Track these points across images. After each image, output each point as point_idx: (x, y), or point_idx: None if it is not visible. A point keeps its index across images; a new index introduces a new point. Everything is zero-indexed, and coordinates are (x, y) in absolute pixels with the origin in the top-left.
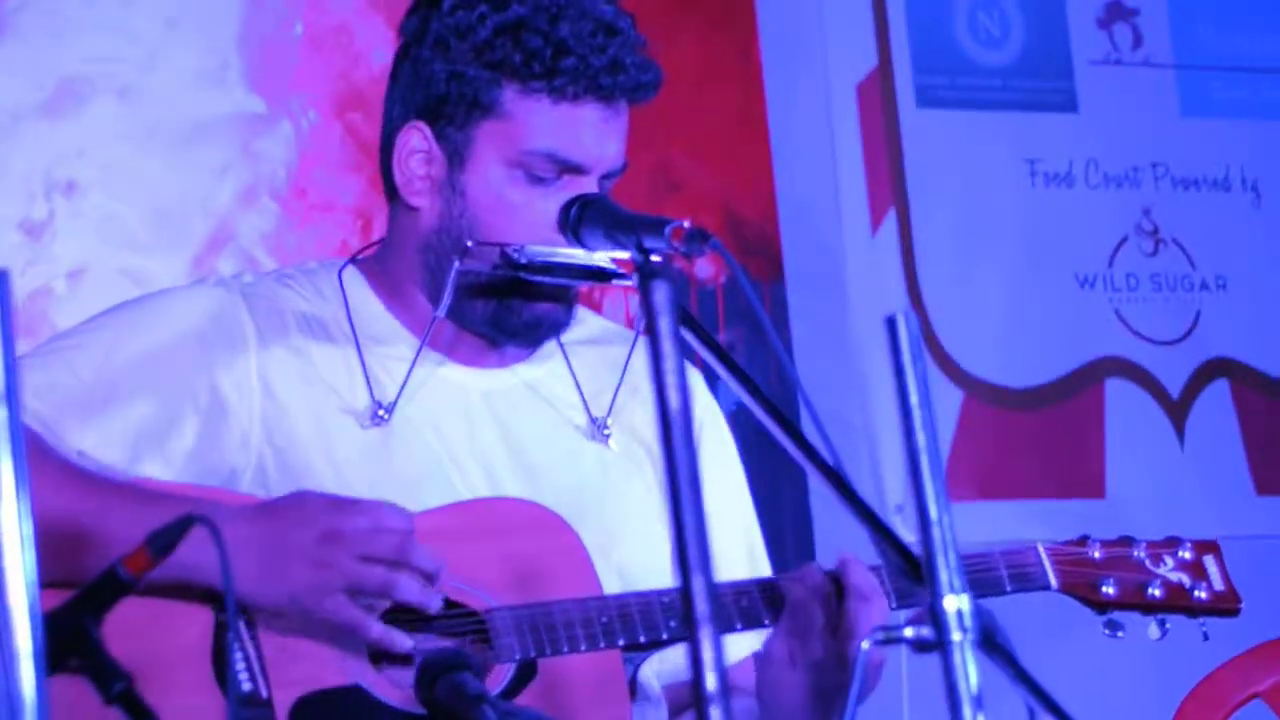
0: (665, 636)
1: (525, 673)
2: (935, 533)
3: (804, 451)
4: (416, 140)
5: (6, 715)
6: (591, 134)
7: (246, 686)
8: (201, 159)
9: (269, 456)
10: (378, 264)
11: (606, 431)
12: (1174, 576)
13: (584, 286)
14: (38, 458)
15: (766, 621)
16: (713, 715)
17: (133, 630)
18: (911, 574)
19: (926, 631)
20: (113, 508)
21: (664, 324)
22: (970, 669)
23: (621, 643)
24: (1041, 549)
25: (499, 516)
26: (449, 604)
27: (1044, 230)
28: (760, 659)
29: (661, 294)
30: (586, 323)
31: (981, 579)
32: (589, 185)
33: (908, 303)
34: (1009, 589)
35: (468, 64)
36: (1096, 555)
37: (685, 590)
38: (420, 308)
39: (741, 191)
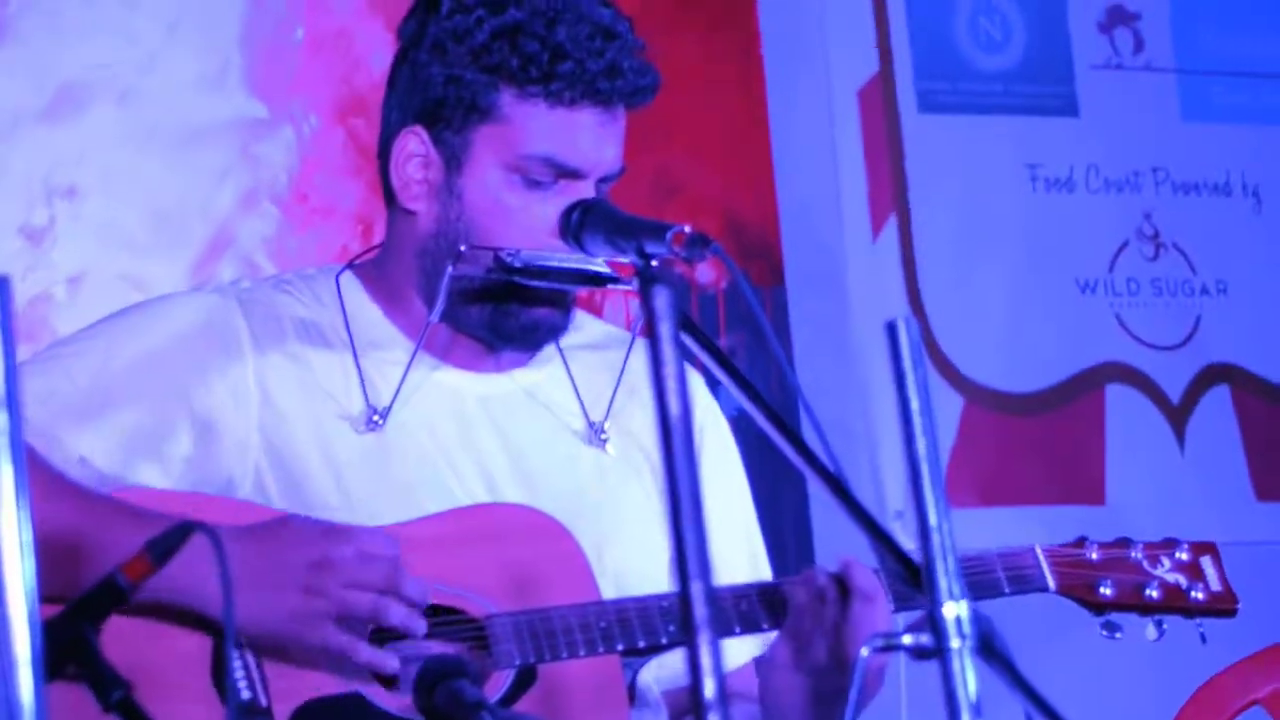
0: (664, 641)
1: (524, 679)
2: (935, 539)
3: (804, 457)
4: (414, 144)
5: None
6: (588, 138)
7: (245, 695)
8: (202, 163)
9: (266, 463)
10: (375, 269)
11: (604, 436)
12: (1171, 577)
13: (580, 291)
14: (33, 471)
15: (765, 625)
16: None
17: (130, 640)
18: (911, 581)
19: (925, 639)
20: (108, 522)
21: (665, 329)
22: (969, 676)
23: (620, 648)
24: (1039, 551)
25: (497, 522)
26: (448, 610)
27: (1045, 235)
28: (763, 663)
29: (662, 299)
30: (586, 328)
31: (979, 581)
32: (586, 189)
33: (908, 308)
34: (1007, 591)
35: (465, 68)
36: (1094, 557)
37: (684, 596)
38: (417, 312)
39: (743, 196)
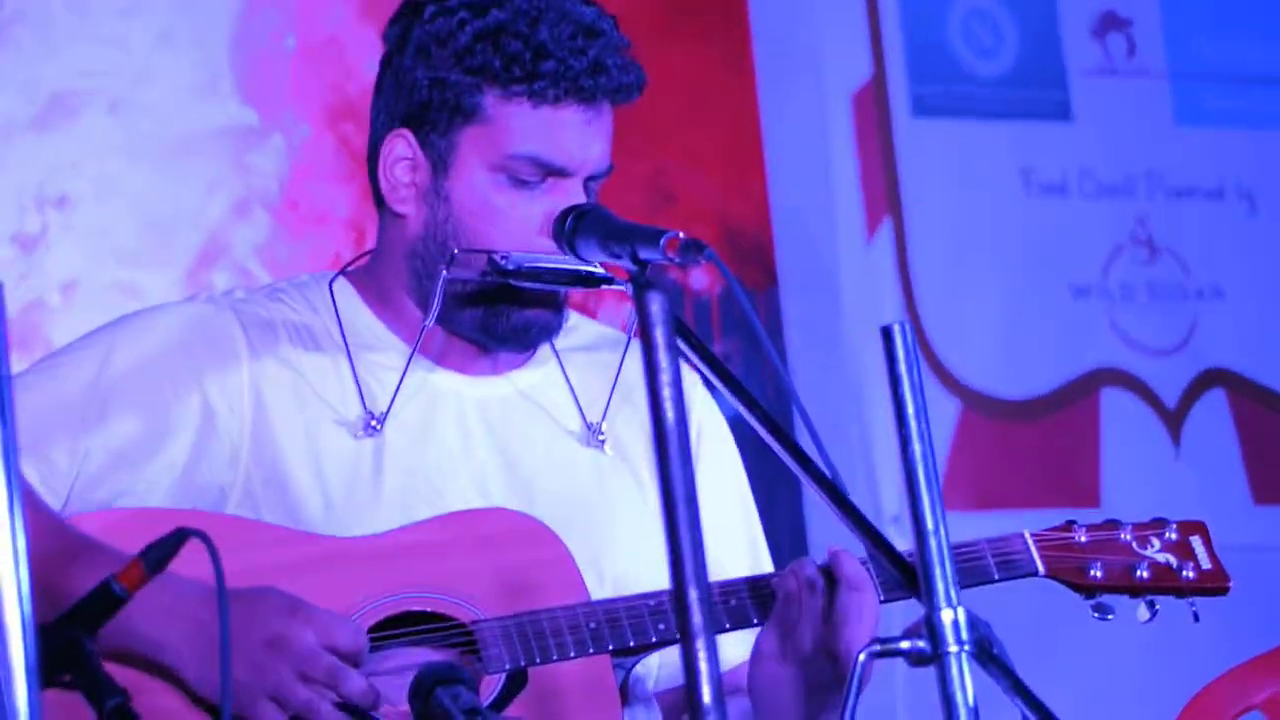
0: (654, 639)
1: (515, 683)
2: (931, 544)
3: (799, 462)
4: (401, 148)
5: None
6: (574, 136)
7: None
8: (194, 172)
9: (256, 472)
10: (367, 274)
11: (601, 437)
12: (1161, 557)
13: (573, 292)
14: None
15: (755, 620)
16: None
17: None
18: (907, 585)
19: (923, 644)
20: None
21: (659, 334)
22: (966, 681)
23: (610, 648)
24: (1027, 535)
25: (485, 527)
26: (437, 617)
27: (1039, 239)
28: (751, 656)
29: (657, 305)
30: (581, 329)
31: (969, 568)
32: (574, 188)
33: (903, 312)
34: (997, 576)
35: (449, 70)
36: (1082, 539)
37: (680, 602)
38: (410, 315)
39: (736, 201)
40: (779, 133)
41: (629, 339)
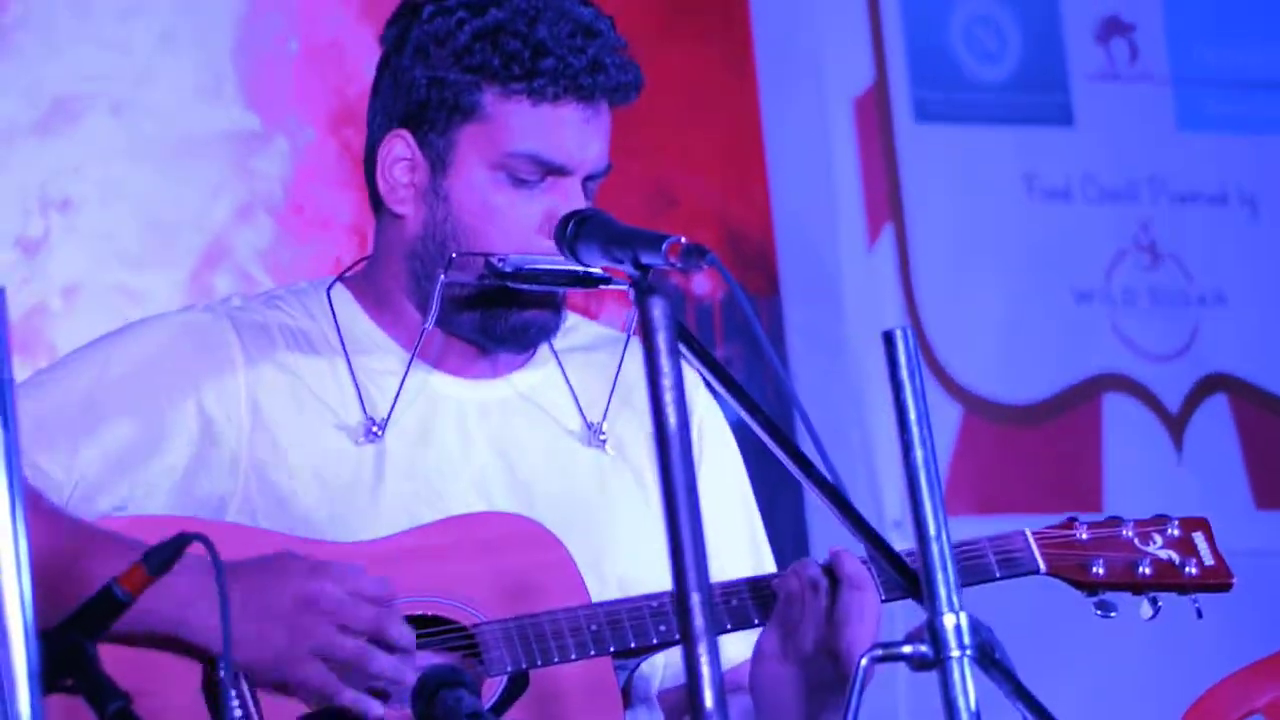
0: (655, 641)
1: (517, 685)
2: (933, 548)
3: (801, 467)
4: (400, 148)
5: None
6: (573, 134)
7: (238, 714)
8: (197, 175)
9: (254, 480)
10: (365, 279)
11: (603, 437)
12: (1163, 554)
13: (572, 292)
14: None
15: (756, 621)
16: None
17: (125, 657)
18: (909, 589)
19: (925, 648)
20: (95, 548)
21: (661, 339)
22: (968, 686)
23: (612, 649)
24: (1028, 533)
25: (487, 531)
26: (438, 620)
27: (1041, 245)
28: (753, 655)
29: (659, 310)
30: (580, 329)
31: (970, 566)
32: (572, 186)
33: (905, 317)
34: (999, 575)
35: (447, 69)
36: (1084, 537)
37: (682, 606)
38: (409, 318)
39: (738, 206)
40: (781, 138)
41: (628, 338)
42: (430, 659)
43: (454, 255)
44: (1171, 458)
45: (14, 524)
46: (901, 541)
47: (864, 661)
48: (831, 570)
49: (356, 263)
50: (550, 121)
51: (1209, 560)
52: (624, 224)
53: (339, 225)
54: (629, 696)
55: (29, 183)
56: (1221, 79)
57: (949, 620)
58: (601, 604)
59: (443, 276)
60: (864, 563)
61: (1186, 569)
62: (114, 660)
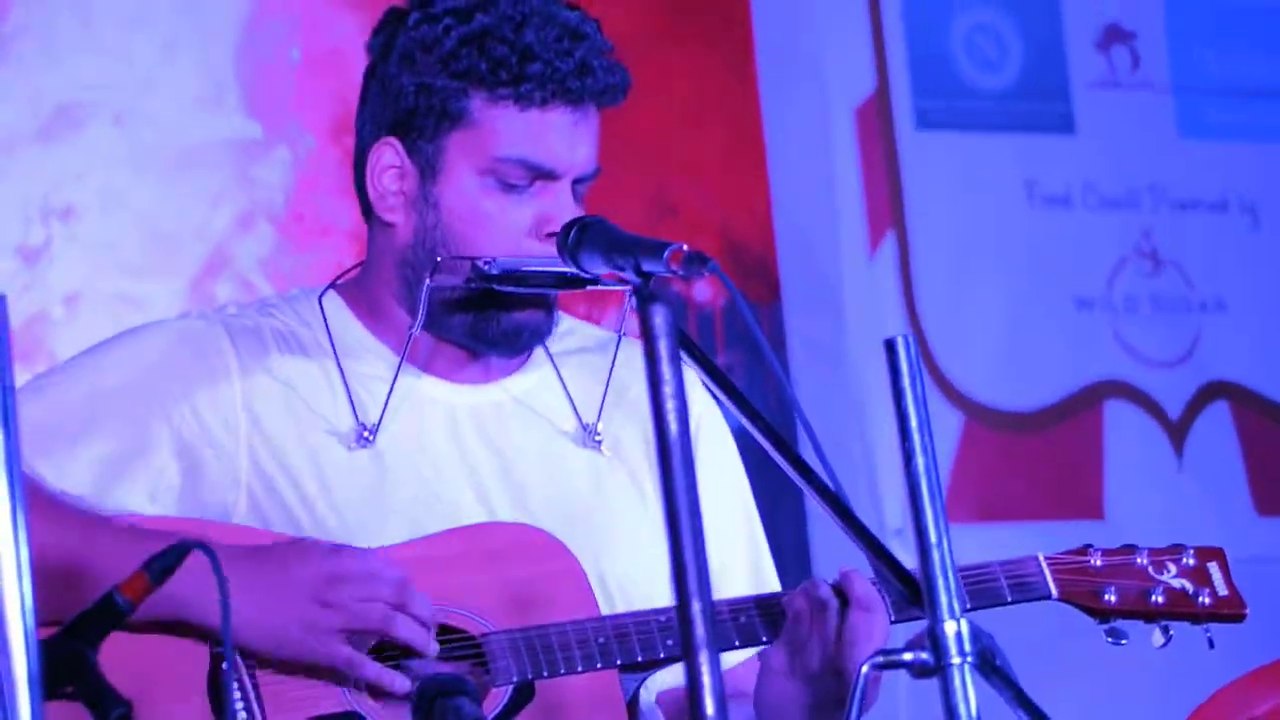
0: (662, 655)
1: (522, 695)
2: (935, 556)
3: (802, 474)
4: (388, 156)
5: None
6: (561, 138)
7: (241, 716)
8: (198, 184)
9: (259, 488)
10: (357, 286)
11: (598, 438)
12: (1177, 583)
13: (561, 293)
14: (28, 495)
15: (764, 639)
16: None
17: (129, 663)
18: (910, 597)
19: (926, 655)
20: (105, 543)
21: (663, 347)
22: (969, 693)
23: (619, 662)
24: (1041, 559)
25: (496, 542)
26: (446, 629)
27: (1042, 252)
28: (759, 670)
29: (660, 317)
30: (576, 332)
31: (982, 590)
32: (561, 190)
33: (906, 325)
34: (1010, 599)
35: (435, 76)
36: (1097, 564)
37: (683, 616)
38: (401, 324)
39: (739, 214)
40: (782, 146)
41: (619, 338)
42: (437, 668)
43: (439, 259)
44: (1173, 465)
45: (14, 530)
46: (903, 550)
47: (865, 668)
48: (841, 590)
49: (349, 270)
50: (538, 126)
51: (1223, 590)
52: (625, 232)
53: (340, 233)
54: (635, 710)
55: (31, 191)
56: (1222, 87)
57: (950, 627)
58: (609, 617)
59: (428, 281)
60: (874, 584)
61: (1200, 598)
62: (114, 660)
